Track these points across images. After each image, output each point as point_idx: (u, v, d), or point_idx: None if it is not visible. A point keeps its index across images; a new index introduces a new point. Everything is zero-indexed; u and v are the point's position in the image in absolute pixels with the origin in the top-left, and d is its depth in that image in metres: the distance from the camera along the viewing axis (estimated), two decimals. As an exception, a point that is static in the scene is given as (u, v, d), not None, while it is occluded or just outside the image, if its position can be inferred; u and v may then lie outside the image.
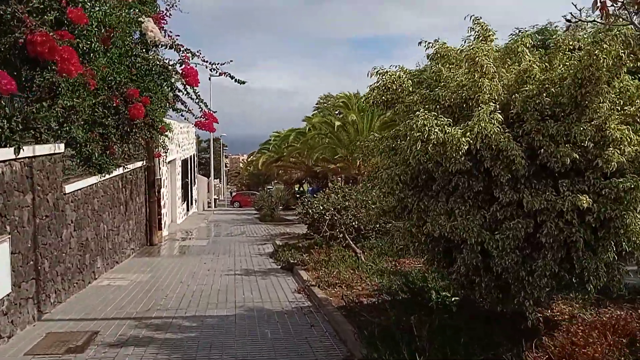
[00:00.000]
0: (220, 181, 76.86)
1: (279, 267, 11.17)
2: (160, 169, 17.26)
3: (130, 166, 12.24)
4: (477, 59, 5.17)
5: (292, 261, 10.93)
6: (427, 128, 4.83)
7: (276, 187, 37.75)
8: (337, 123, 23.14)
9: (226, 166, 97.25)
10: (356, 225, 11.02)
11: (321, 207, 10.80)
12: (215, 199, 46.37)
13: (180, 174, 23.87)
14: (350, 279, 9.01)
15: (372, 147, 6.34)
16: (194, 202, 30.50)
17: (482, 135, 4.71)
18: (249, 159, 61.85)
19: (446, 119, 4.97)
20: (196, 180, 33.02)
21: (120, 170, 11.08)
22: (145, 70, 10.98)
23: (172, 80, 10.72)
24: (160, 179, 16.81)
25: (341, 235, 10.38)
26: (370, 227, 11.94)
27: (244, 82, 11.35)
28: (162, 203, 17.13)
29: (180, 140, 24.23)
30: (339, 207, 10.69)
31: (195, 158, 33.06)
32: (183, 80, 10.04)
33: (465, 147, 4.84)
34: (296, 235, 16.82)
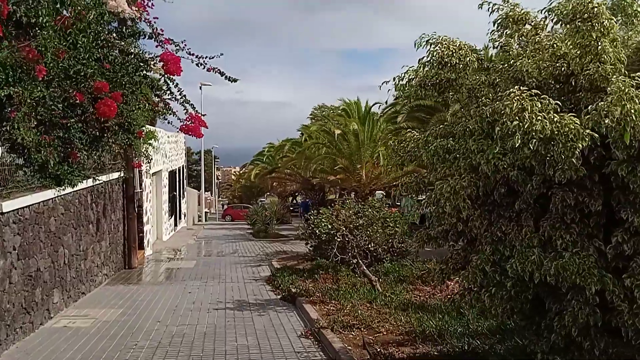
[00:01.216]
0: (211, 194, 74.93)
1: (279, 297, 9.37)
2: (143, 180, 15.45)
3: (104, 177, 10.44)
4: (595, 11, 3.45)
5: (294, 290, 9.14)
6: (526, 115, 3.11)
7: (271, 200, 35.91)
8: (337, 131, 21.46)
9: (218, 178, 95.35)
10: (372, 248, 9.25)
11: (329, 226, 9.02)
12: (206, 213, 44.40)
13: (167, 187, 22.03)
14: (370, 317, 7.23)
15: (415, 147, 4.61)
16: (182, 216, 28.60)
17: (629, 121, 2.98)
18: (241, 171, 59.96)
19: (551, 102, 3.25)
20: (185, 193, 31.14)
21: (88, 183, 9.26)
22: (120, 64, 9.20)
23: (151, 72, 8.96)
24: (142, 192, 14.98)
25: (355, 261, 8.58)
26: (385, 248, 10.18)
27: (235, 80, 9.64)
28: (144, 219, 15.29)
29: (168, 150, 22.45)
30: (351, 226, 8.92)
31: (185, 170, 31.23)
32: (161, 70, 8.27)
33: (585, 143, 3.12)
34: (295, 255, 15.01)
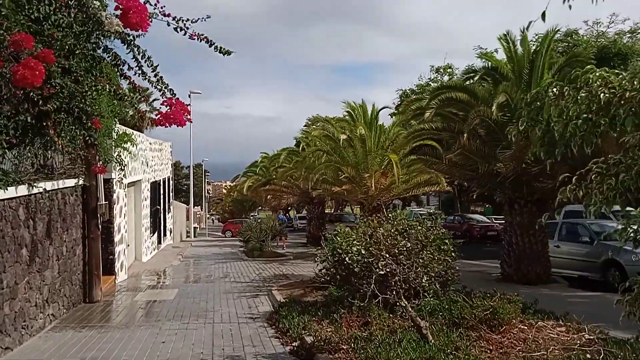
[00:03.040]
0: (201, 208, 72.05)
1: (287, 349, 6.70)
2: (115, 191, 12.77)
3: (47, 185, 7.76)
4: None
5: (309, 340, 6.49)
6: None
7: (266, 214, 33.13)
8: (343, 137, 18.82)
9: (209, 193, 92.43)
10: (425, 283, 6.56)
11: (363, 252, 6.31)
12: (195, 228, 41.56)
13: (149, 200, 19.31)
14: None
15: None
16: (167, 232, 25.83)
17: None
18: (233, 184, 57.15)
19: None
20: (171, 207, 28.37)
21: (20, 191, 6.61)
22: (68, 26, 6.66)
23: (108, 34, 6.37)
24: (113, 204, 12.29)
25: (403, 305, 5.89)
26: (426, 279, 7.46)
27: (229, 53, 7.27)
28: (115, 238, 12.58)
29: (150, 159, 19.77)
30: (396, 251, 6.23)
31: (171, 181, 28.49)
32: (119, 25, 5.67)
33: None
34: (299, 281, 12.35)
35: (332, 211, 43.89)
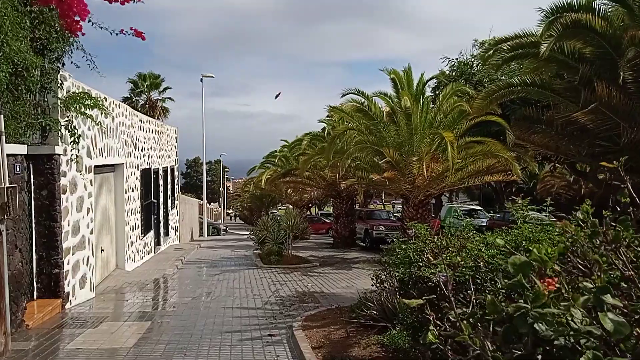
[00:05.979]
0: (219, 205, 68.47)
1: None
2: (61, 173, 8.78)
3: None
4: None
5: None
6: None
7: (286, 210, 28.93)
8: (386, 109, 14.56)
9: (228, 190, 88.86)
10: None
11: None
12: (208, 226, 37.63)
13: (139, 191, 15.31)
14: None
15: None
16: (170, 231, 21.85)
17: None
18: (248, 177, 52.98)
19: None
20: (177, 202, 24.42)
21: None
22: None
23: None
24: (53, 193, 8.27)
25: None
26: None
27: None
28: (65, 244, 8.53)
29: (140, 140, 15.76)
30: None
31: (176, 172, 24.51)
32: None
33: None
34: (334, 309, 8.20)
35: (359, 207, 39.57)
